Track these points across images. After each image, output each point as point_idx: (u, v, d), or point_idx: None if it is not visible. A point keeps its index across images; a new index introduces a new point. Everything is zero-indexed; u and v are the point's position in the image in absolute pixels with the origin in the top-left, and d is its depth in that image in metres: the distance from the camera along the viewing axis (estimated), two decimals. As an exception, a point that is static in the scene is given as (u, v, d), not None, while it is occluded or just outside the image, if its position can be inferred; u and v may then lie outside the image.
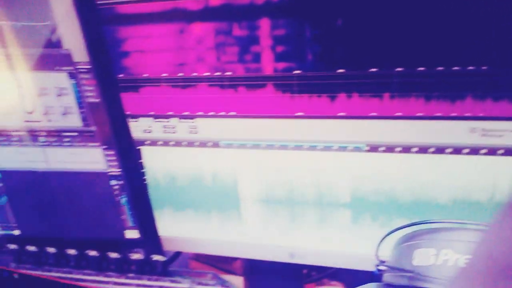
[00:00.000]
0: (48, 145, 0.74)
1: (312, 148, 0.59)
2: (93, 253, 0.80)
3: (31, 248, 0.87)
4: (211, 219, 0.67)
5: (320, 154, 0.58)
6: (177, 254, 0.74)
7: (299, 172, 0.60)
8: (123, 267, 0.78)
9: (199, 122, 0.63)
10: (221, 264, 0.70)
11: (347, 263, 0.62)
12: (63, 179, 0.76)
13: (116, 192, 0.73)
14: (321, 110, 0.56)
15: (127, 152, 0.69)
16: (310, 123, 0.57)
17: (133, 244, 0.76)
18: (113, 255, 0.78)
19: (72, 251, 0.82)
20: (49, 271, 0.86)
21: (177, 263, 0.75)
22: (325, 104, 0.56)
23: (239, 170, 0.63)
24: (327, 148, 0.58)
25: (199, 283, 0.72)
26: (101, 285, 0.80)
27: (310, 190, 0.60)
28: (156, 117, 0.65)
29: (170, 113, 0.64)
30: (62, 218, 0.80)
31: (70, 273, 0.83)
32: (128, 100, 0.65)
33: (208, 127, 0.63)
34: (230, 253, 0.69)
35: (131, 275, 0.77)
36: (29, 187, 0.81)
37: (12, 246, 0.89)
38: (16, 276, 0.91)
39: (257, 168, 0.62)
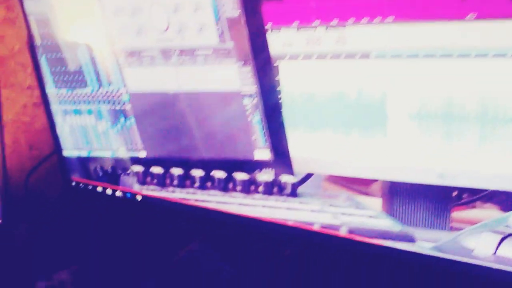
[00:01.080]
0: (180, 64, 0.74)
1: (482, 56, 0.53)
2: (219, 174, 0.81)
3: (156, 169, 0.90)
4: (351, 138, 0.65)
5: (490, 63, 0.53)
6: (308, 175, 0.73)
7: (463, 84, 0.55)
8: (250, 188, 0.79)
9: (349, 30, 0.59)
10: (357, 185, 0.68)
11: (507, 184, 0.57)
12: (193, 100, 0.77)
13: (248, 112, 0.72)
14: (500, 11, 0.50)
15: (264, 69, 0.68)
16: (483, 26, 0.51)
17: (261, 165, 0.75)
18: (240, 176, 0.79)
19: (198, 172, 0.84)
20: (173, 192, 0.88)
21: (308, 184, 0.73)
22: (507, 3, 0.49)
23: (389, 84, 0.59)
24: (500, 56, 0.52)
25: (331, 205, 0.71)
26: (226, 206, 0.82)
27: (473, 104, 0.55)
28: (300, 27, 0.62)
29: (316, 22, 0.60)
30: (190, 140, 0.81)
31: (195, 194, 0.86)
32: (270, 10, 0.62)
33: (359, 36, 0.58)
34: (370, 175, 0.66)
35: (257, 196, 0.78)
36: (157, 109, 0.83)
37: (137, 168, 0.93)
38: (139, 197, 0.96)
39: (412, 81, 0.58)
